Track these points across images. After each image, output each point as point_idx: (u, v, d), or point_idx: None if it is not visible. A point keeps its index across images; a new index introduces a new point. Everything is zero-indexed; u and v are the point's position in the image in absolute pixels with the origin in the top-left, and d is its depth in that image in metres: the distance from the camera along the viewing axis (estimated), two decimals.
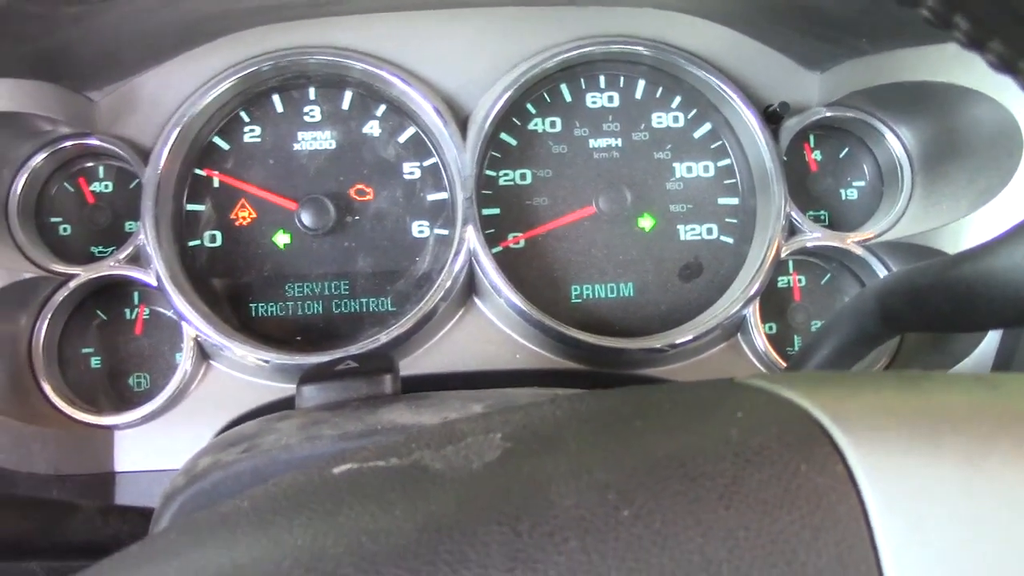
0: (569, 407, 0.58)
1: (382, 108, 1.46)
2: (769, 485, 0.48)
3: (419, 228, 1.45)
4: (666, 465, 0.49)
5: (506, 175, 1.46)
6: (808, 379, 0.59)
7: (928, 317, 0.91)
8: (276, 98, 1.45)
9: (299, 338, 1.43)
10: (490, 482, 0.51)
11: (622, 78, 1.49)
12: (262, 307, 1.43)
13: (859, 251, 1.43)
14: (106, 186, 1.45)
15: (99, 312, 1.43)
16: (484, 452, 0.54)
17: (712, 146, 1.49)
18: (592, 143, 1.47)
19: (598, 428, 0.56)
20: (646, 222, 1.47)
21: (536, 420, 0.57)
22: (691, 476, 0.49)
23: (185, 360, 1.36)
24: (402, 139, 1.45)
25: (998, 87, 1.25)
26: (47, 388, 1.36)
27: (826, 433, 0.50)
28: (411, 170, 1.45)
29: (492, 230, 1.44)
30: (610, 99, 1.49)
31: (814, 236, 1.43)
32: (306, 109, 1.45)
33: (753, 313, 1.41)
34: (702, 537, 0.46)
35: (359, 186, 1.44)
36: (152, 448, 1.37)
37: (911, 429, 0.50)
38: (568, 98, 1.48)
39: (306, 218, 1.39)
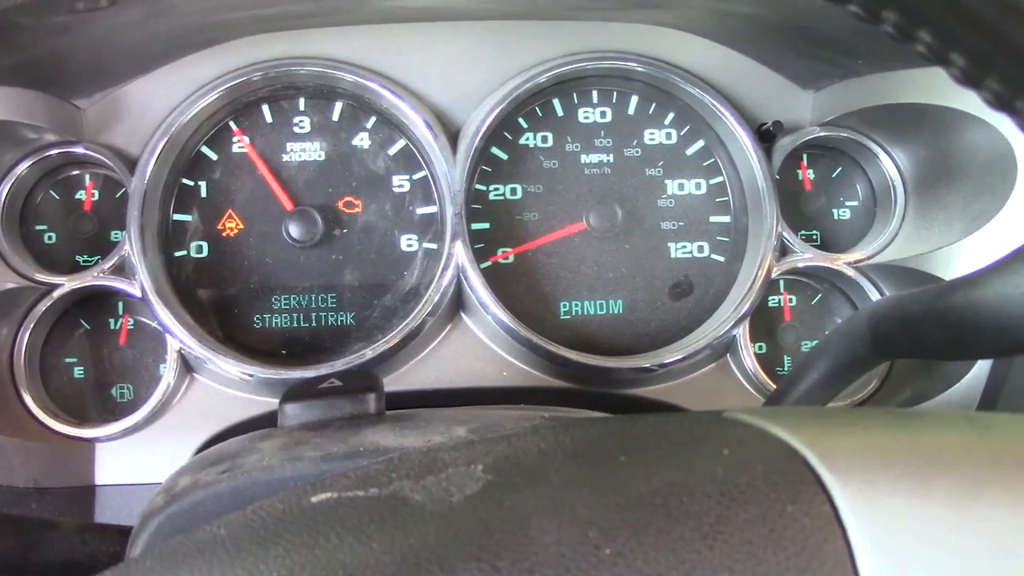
0: (553, 439, 0.57)
1: (372, 120, 1.44)
2: (754, 525, 0.47)
3: (408, 242, 1.43)
4: (649, 502, 0.49)
5: (496, 190, 1.45)
6: (796, 415, 0.58)
7: (919, 344, 0.90)
8: (265, 108, 1.44)
9: (284, 351, 1.42)
10: (470, 516, 0.50)
11: (615, 94, 1.48)
12: (247, 319, 1.42)
13: (850, 272, 1.42)
14: (92, 195, 1.44)
15: (83, 321, 1.42)
16: (465, 484, 0.53)
17: (704, 163, 1.48)
18: (584, 158, 1.46)
19: (581, 462, 0.55)
20: (637, 239, 1.46)
21: (519, 452, 0.56)
22: (675, 514, 0.48)
23: (168, 372, 1.35)
24: (392, 152, 1.44)
25: (993, 112, 1.25)
26: (28, 399, 1.34)
27: (813, 472, 0.49)
28: (400, 183, 1.44)
29: (481, 245, 1.43)
30: (602, 114, 1.48)
31: (805, 256, 1.42)
32: (295, 120, 1.44)
33: (743, 333, 1.41)
34: None
35: (348, 198, 1.43)
36: (133, 461, 1.36)
37: (899, 469, 0.49)
38: (560, 113, 1.47)
39: (294, 230, 1.38)
